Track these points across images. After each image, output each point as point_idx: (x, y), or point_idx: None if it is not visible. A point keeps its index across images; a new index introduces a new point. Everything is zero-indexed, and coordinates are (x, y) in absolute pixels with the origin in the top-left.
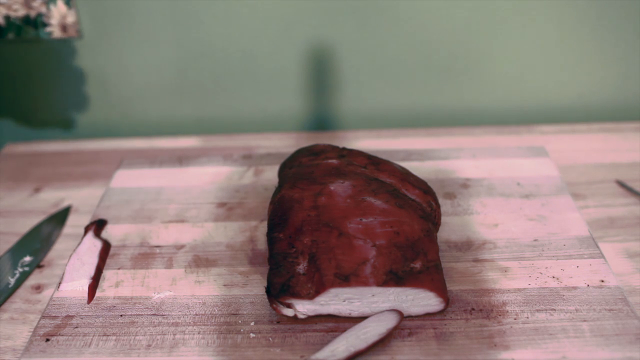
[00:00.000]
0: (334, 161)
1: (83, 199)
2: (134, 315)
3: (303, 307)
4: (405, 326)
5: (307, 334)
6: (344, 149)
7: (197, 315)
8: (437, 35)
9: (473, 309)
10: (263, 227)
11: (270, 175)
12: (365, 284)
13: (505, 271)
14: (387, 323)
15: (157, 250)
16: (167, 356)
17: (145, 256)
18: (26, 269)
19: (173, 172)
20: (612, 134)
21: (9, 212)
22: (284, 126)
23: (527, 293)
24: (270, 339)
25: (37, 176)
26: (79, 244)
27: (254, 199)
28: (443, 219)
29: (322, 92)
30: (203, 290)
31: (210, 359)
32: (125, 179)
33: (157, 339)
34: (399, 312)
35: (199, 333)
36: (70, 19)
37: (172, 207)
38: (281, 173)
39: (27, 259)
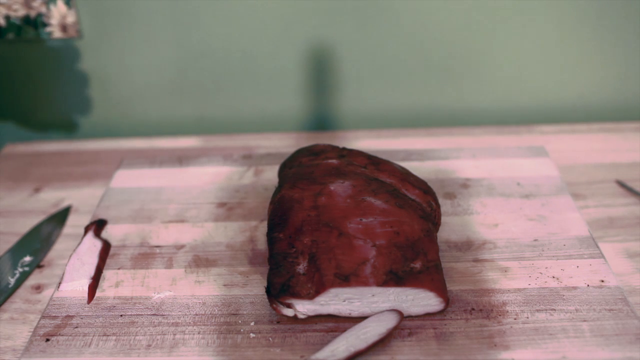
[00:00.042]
0: (334, 161)
1: (83, 199)
2: (134, 315)
3: (303, 307)
4: (405, 326)
5: (307, 334)
6: (344, 149)
7: (197, 315)
8: (437, 35)
9: (473, 309)
10: (263, 227)
11: (270, 175)
12: (365, 284)
13: (505, 271)
14: (387, 323)
15: (157, 250)
16: (167, 356)
17: (145, 256)
18: (26, 269)
19: (173, 172)
20: (612, 134)
21: (9, 212)
22: (284, 126)
23: (527, 293)
24: (270, 339)
25: (37, 176)
26: (79, 244)
27: (254, 199)
28: (443, 219)
29: (322, 92)
30: (203, 290)
31: (210, 359)
32: (125, 179)
33: (157, 339)
34: (399, 312)
35: (199, 333)
36: (70, 19)
37: (172, 207)
38: (281, 173)
39: (27, 259)
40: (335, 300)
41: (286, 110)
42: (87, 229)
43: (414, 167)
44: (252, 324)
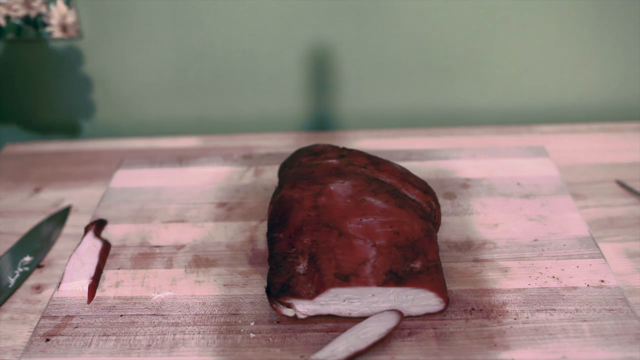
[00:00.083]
0: (334, 161)
1: (83, 199)
2: (134, 315)
3: (303, 307)
4: (405, 326)
5: (307, 334)
6: (344, 149)
7: (197, 315)
8: (437, 35)
9: (473, 309)
10: (263, 227)
11: (270, 175)
12: (365, 284)
13: (505, 271)
14: (387, 323)
15: (157, 250)
16: (167, 356)
17: (145, 256)
18: (26, 269)
19: (173, 172)
20: (612, 134)
21: (9, 212)
22: (284, 126)
23: (527, 293)
24: (270, 339)
25: (37, 176)
26: (79, 244)
27: (254, 199)
28: (443, 219)
29: (322, 92)
30: (203, 290)
31: (210, 359)
32: (125, 179)
33: (157, 339)
34: (399, 312)
35: (199, 333)
36: (70, 19)
37: (172, 207)
38: (281, 173)
39: (27, 259)
40: (335, 300)
41: (286, 110)
42: (87, 229)
43: (414, 167)
44: (252, 324)
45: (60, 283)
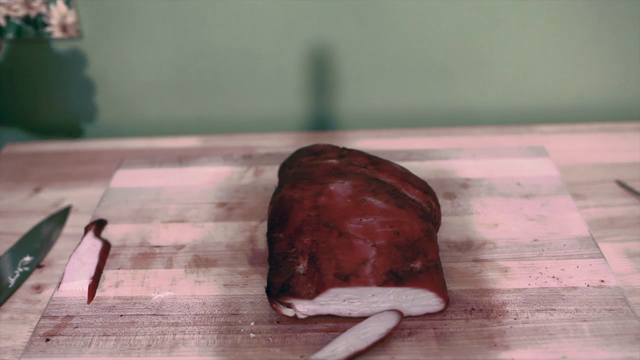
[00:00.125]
0: (334, 161)
1: (83, 199)
2: (134, 315)
3: (303, 307)
4: (405, 326)
5: (307, 334)
6: (344, 149)
7: (197, 315)
8: (437, 35)
9: (473, 309)
10: (263, 227)
11: (270, 175)
12: (365, 284)
13: (505, 271)
14: (387, 323)
15: (157, 250)
16: (167, 356)
17: (145, 256)
18: (26, 269)
19: (173, 172)
20: (612, 134)
21: (9, 212)
22: (284, 126)
23: (527, 293)
24: (270, 339)
25: (37, 176)
26: (79, 244)
27: (254, 199)
28: (443, 219)
29: (322, 92)
30: (203, 290)
31: (210, 359)
32: (125, 179)
33: (157, 339)
34: (399, 312)
35: (199, 333)
36: (70, 19)
37: (172, 207)
38: (281, 173)
39: (27, 259)
40: (335, 300)
41: (286, 110)
42: (87, 229)
43: (414, 167)
44: (252, 324)
45: (60, 283)
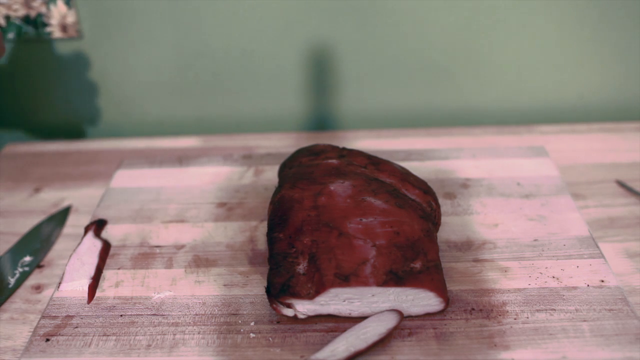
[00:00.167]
0: (334, 161)
1: (83, 199)
2: (134, 315)
3: (303, 307)
4: (405, 326)
5: (307, 334)
6: (344, 149)
7: (197, 315)
8: (437, 35)
9: (473, 309)
10: (263, 227)
11: (270, 175)
12: (365, 284)
13: (505, 271)
14: (387, 323)
15: (157, 250)
16: (167, 356)
17: (145, 256)
18: (26, 269)
19: (173, 172)
20: (612, 134)
21: (9, 212)
22: (284, 126)
23: (527, 293)
24: (270, 339)
25: (37, 176)
26: (79, 244)
27: (254, 199)
28: (443, 219)
29: (322, 92)
30: (203, 290)
31: (210, 359)
32: (125, 179)
33: (157, 339)
34: (399, 312)
35: (199, 333)
36: (70, 19)
37: (172, 207)
38: (281, 173)
39: (27, 259)
40: (335, 300)
41: (286, 110)
42: (87, 229)
43: (414, 167)
44: (252, 324)
45: (60, 283)
